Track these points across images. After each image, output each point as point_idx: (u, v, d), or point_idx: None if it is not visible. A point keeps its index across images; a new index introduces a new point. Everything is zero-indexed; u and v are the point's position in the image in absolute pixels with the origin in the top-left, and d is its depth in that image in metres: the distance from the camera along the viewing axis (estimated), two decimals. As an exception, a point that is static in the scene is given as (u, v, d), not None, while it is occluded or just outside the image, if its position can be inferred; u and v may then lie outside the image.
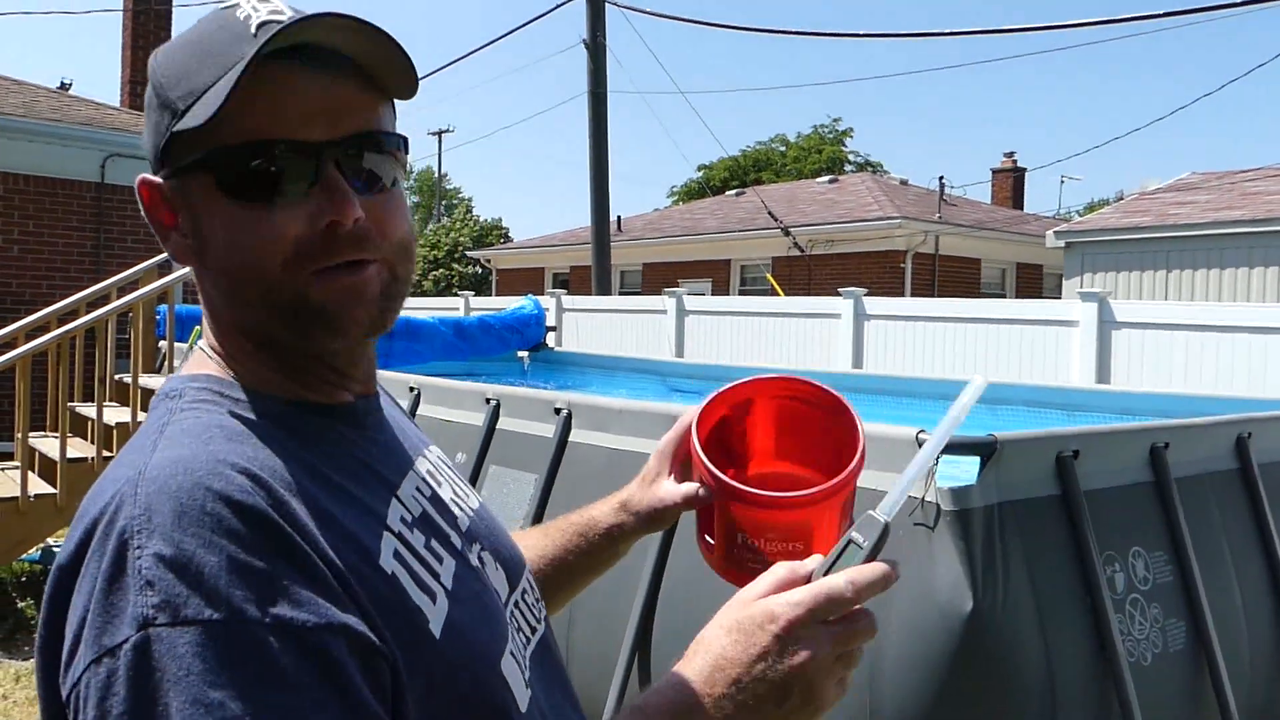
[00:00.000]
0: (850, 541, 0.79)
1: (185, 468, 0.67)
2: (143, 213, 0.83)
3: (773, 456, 1.06)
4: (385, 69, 0.79)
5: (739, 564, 0.97)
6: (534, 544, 1.13)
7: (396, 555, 0.75)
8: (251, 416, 0.76)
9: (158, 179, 0.81)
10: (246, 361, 0.80)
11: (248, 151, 0.75)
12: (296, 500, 0.69)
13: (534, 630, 0.92)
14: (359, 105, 0.79)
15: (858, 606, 0.77)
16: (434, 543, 0.80)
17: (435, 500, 0.86)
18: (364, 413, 0.85)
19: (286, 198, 0.75)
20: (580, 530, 1.13)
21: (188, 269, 0.83)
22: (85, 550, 0.66)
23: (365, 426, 0.85)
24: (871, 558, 0.78)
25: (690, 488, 1.04)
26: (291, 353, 0.80)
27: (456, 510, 0.89)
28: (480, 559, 0.87)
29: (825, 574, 0.78)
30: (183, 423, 0.74)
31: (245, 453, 0.70)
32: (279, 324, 0.77)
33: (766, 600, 0.77)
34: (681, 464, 1.07)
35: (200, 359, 0.83)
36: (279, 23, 0.75)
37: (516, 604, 0.90)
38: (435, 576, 0.77)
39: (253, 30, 0.75)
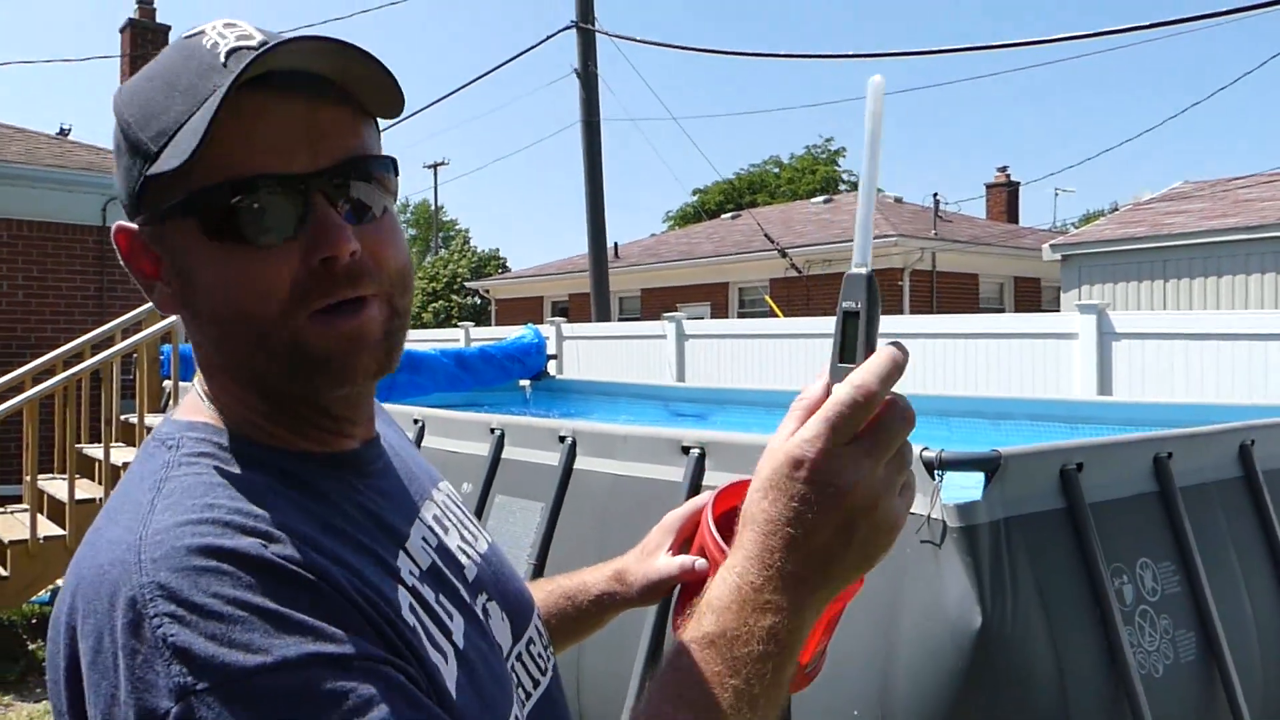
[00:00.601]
0: (845, 314, 0.71)
1: (192, 531, 0.63)
2: (122, 262, 0.77)
3: None
4: (365, 87, 0.73)
5: None
6: None
7: (412, 610, 0.71)
8: (254, 472, 0.71)
9: (133, 226, 0.75)
10: (242, 411, 0.75)
11: (229, 190, 0.69)
12: (314, 553, 0.65)
13: (536, 684, 0.87)
14: (341, 130, 0.73)
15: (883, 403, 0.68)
16: (443, 597, 0.76)
17: (442, 550, 0.81)
18: (368, 459, 0.81)
19: (275, 236, 0.69)
20: (569, 594, 1.08)
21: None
22: (89, 622, 0.62)
23: (370, 474, 0.80)
24: (871, 317, 0.71)
25: (687, 559, 1.00)
26: (290, 401, 0.75)
27: (463, 558, 0.84)
28: (485, 610, 0.82)
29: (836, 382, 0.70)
30: (182, 480, 0.69)
31: (252, 511, 0.66)
32: (278, 372, 0.72)
33: (785, 446, 0.69)
34: (682, 543, 1.05)
35: (194, 404, 0.78)
36: (249, 48, 0.71)
37: (520, 656, 0.85)
38: (447, 635, 0.73)
39: (222, 59, 0.70)
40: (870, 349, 0.70)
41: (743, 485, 1.06)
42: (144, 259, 0.76)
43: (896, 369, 0.68)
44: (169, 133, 0.69)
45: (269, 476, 0.71)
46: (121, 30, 13.73)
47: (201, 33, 0.73)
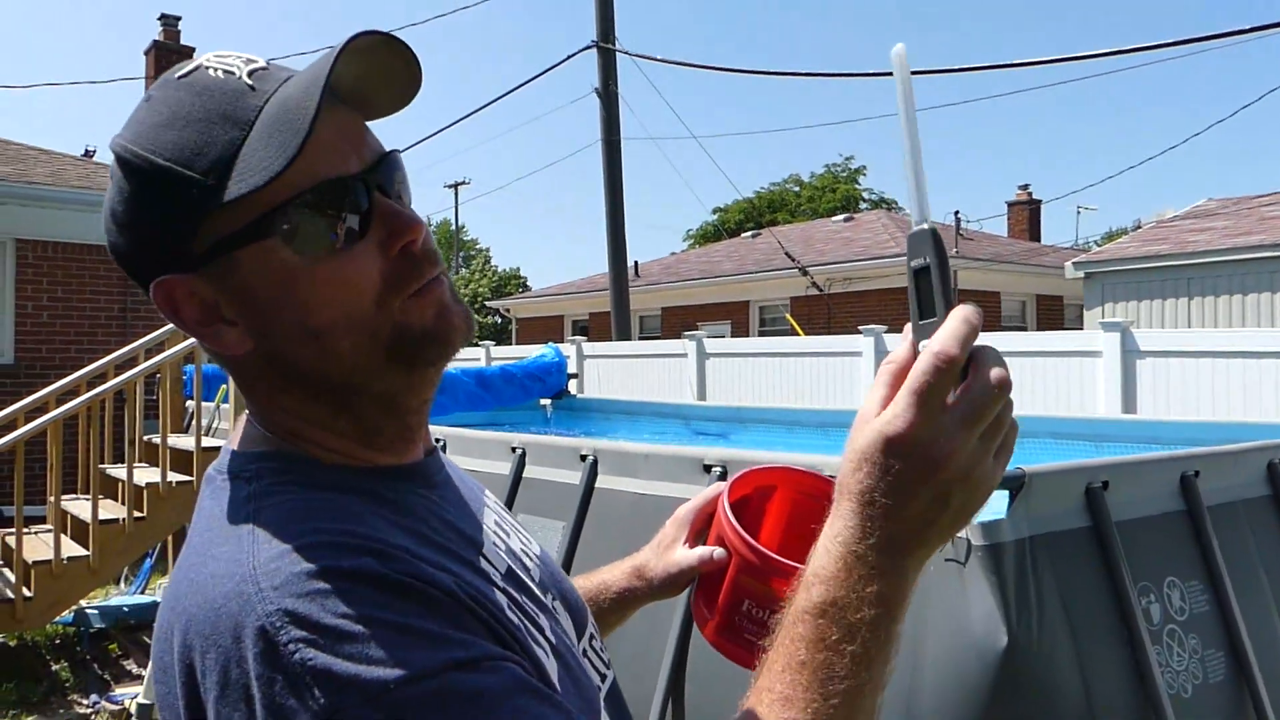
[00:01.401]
0: (915, 272, 0.71)
1: (306, 556, 0.64)
2: (171, 320, 0.76)
3: (776, 548, 1.03)
4: (381, 87, 0.76)
5: (735, 633, 0.97)
6: None
7: (510, 610, 0.72)
8: (340, 494, 0.72)
9: (174, 277, 0.74)
10: (313, 433, 0.76)
11: (316, 197, 0.70)
12: (422, 564, 0.67)
13: (604, 678, 0.88)
14: (363, 130, 0.76)
15: (980, 385, 0.68)
16: (524, 598, 0.77)
17: (510, 553, 0.83)
18: (433, 470, 0.83)
19: (355, 236, 0.72)
20: (591, 596, 1.09)
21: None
22: (210, 657, 0.63)
23: (436, 484, 0.82)
24: (944, 270, 0.70)
25: (706, 551, 1.03)
26: (376, 407, 0.77)
27: (527, 561, 0.85)
28: (554, 608, 0.83)
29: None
30: (277, 509, 0.69)
31: (356, 531, 0.67)
32: (381, 368, 0.74)
33: (877, 422, 0.69)
34: (697, 533, 1.07)
35: (253, 435, 0.78)
36: (263, 69, 0.73)
37: (585, 652, 0.86)
38: (540, 631, 0.75)
39: (247, 82, 0.72)
40: (949, 302, 0.70)
41: (754, 474, 1.08)
42: (193, 307, 0.75)
43: (972, 330, 0.68)
44: (226, 160, 0.69)
45: (355, 496, 0.73)
46: (146, 52, 13.94)
47: (199, 68, 0.74)
